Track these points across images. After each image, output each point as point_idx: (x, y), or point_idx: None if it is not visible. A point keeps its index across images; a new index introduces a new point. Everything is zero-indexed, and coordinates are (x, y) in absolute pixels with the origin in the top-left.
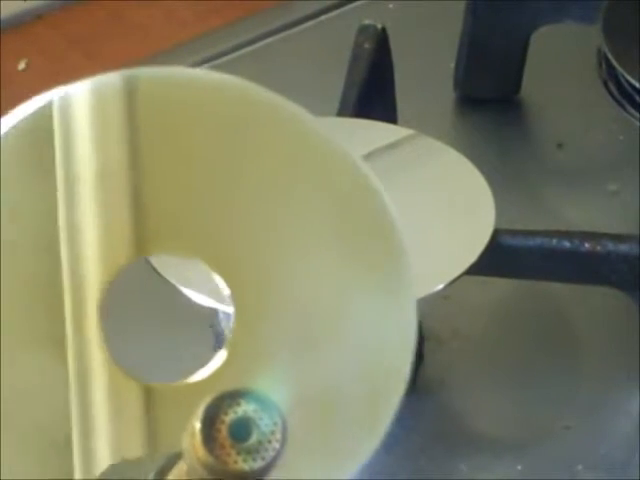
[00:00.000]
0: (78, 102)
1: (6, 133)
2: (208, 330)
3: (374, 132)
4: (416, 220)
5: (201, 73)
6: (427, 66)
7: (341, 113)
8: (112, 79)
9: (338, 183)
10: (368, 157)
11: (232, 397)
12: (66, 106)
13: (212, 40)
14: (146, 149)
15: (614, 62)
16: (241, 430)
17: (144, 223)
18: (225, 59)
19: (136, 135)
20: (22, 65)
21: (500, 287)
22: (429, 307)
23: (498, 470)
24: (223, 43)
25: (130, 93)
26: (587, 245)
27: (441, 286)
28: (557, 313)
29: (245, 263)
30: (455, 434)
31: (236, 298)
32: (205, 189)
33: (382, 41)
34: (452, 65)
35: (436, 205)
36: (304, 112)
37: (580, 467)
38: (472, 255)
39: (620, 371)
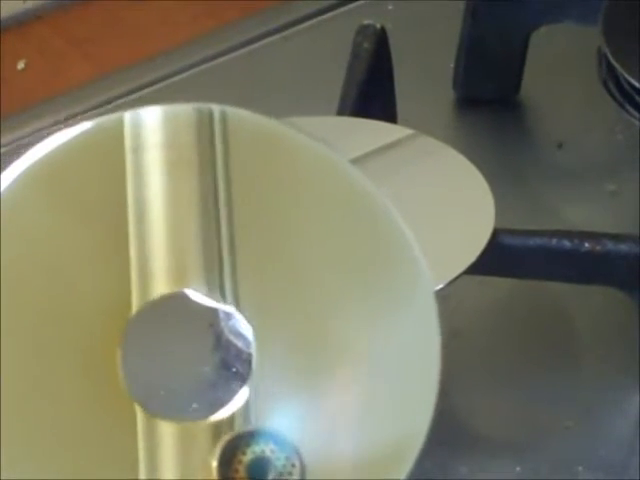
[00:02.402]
0: (149, 126)
1: (78, 135)
2: (208, 329)
3: (373, 132)
4: (415, 219)
5: (283, 129)
6: (426, 66)
7: (340, 113)
8: (185, 109)
9: (366, 223)
10: (367, 157)
11: (250, 436)
12: (137, 126)
13: (209, 41)
14: (221, 184)
15: (614, 62)
16: (258, 470)
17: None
18: (223, 59)
19: (210, 168)
20: (21, 65)
21: (499, 287)
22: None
23: (497, 471)
24: (221, 44)
25: (202, 126)
26: (587, 245)
27: (441, 285)
28: (557, 313)
29: (271, 303)
30: (454, 435)
31: (258, 337)
32: (256, 231)
33: (381, 41)
34: (451, 65)
35: (435, 205)
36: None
37: (580, 468)
38: (472, 255)
39: (620, 371)
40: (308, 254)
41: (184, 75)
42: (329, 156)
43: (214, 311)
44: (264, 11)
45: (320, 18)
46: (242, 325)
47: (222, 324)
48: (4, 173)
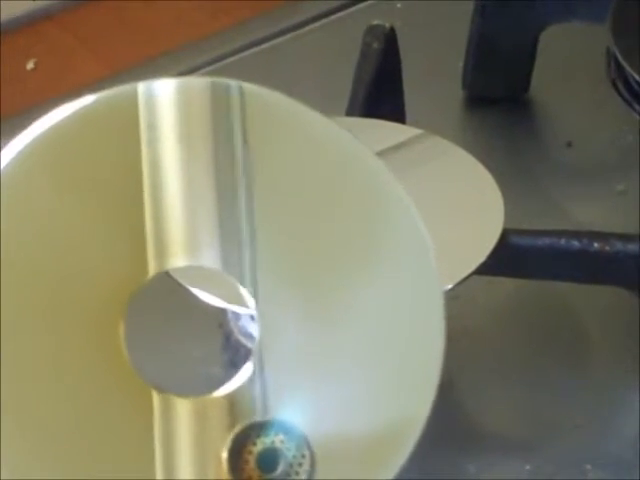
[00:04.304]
0: (163, 97)
1: (90, 104)
2: (217, 330)
3: (382, 132)
4: (424, 220)
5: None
6: (435, 65)
7: (349, 113)
8: (199, 82)
9: (387, 221)
10: None
11: (259, 427)
12: (151, 96)
13: (220, 40)
14: (239, 158)
15: (622, 62)
16: (268, 461)
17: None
18: (234, 59)
19: (223, 142)
20: (31, 64)
21: (509, 287)
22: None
23: (506, 470)
24: (232, 43)
25: (218, 98)
26: (596, 245)
27: (450, 286)
28: (566, 312)
29: (286, 285)
30: (463, 433)
31: (262, 313)
32: (276, 213)
33: (390, 41)
34: (460, 64)
35: (445, 205)
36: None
37: (589, 466)
38: (481, 255)
39: (629, 370)
40: (324, 234)
41: (194, 74)
42: (346, 138)
43: (223, 311)
44: (273, 11)
45: (330, 18)
46: (247, 319)
47: (231, 324)
48: (11, 144)
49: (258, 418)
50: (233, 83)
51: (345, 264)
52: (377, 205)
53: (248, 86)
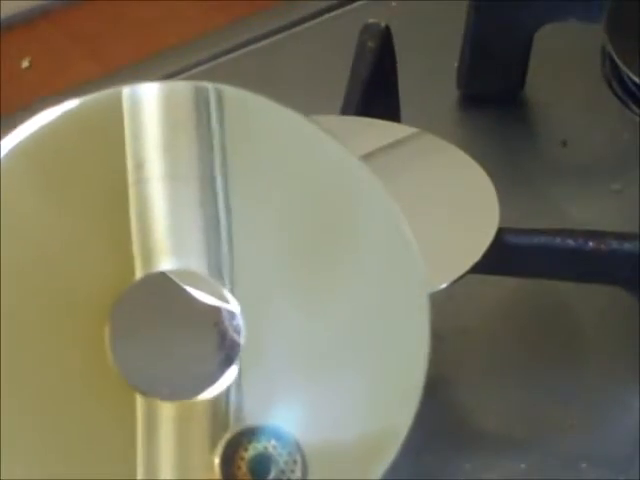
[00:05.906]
0: (148, 101)
1: (74, 109)
2: (212, 329)
3: (377, 130)
4: (419, 219)
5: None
6: (430, 64)
7: (345, 111)
8: (183, 87)
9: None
10: (371, 155)
11: (251, 433)
12: (135, 101)
13: (216, 38)
14: (217, 159)
15: (617, 61)
16: (260, 466)
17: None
18: (229, 57)
19: (207, 144)
20: (26, 63)
21: (504, 286)
22: (433, 306)
23: (502, 468)
24: (227, 41)
25: (201, 102)
26: (591, 244)
27: (445, 285)
28: (561, 311)
29: (268, 293)
30: (459, 432)
31: (245, 317)
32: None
33: (385, 39)
34: (455, 63)
35: (440, 203)
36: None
37: (584, 465)
38: (476, 254)
39: (625, 369)
40: (302, 233)
41: (189, 72)
42: (318, 133)
43: (218, 310)
44: (269, 9)
45: (325, 16)
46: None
47: (226, 323)
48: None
49: (243, 421)
50: (210, 86)
51: (326, 266)
52: (358, 208)
53: (228, 90)
